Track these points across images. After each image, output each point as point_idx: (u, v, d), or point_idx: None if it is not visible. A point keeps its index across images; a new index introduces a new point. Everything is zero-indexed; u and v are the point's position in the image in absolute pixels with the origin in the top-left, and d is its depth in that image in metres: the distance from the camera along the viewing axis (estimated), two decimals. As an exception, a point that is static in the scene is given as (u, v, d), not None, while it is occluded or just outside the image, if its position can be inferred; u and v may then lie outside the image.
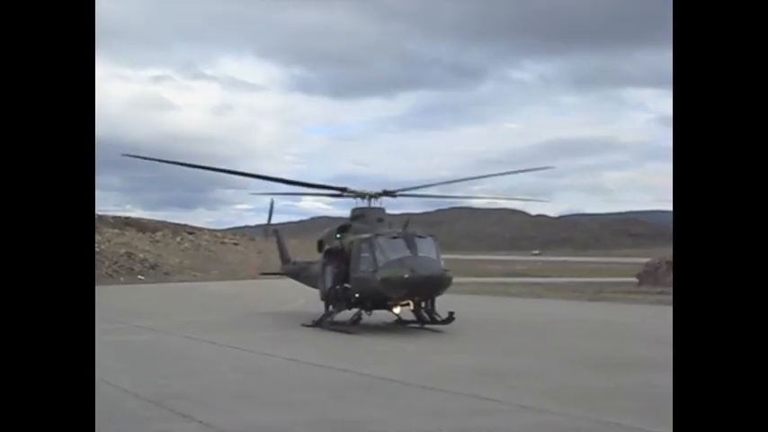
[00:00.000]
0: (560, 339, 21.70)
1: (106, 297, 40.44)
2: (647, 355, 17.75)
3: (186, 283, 61.54)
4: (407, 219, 24.22)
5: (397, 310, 23.65)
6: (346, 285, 23.93)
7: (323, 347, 19.51)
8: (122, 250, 71.56)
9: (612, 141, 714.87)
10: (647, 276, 56.50)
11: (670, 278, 51.56)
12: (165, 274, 69.09)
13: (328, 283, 25.30)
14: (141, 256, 72.45)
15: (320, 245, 27.06)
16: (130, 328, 23.89)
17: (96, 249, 67.75)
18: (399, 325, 24.46)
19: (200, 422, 10.15)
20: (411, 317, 24.15)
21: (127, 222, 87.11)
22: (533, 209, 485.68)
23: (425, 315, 23.79)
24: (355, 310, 23.77)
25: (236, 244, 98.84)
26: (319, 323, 24.76)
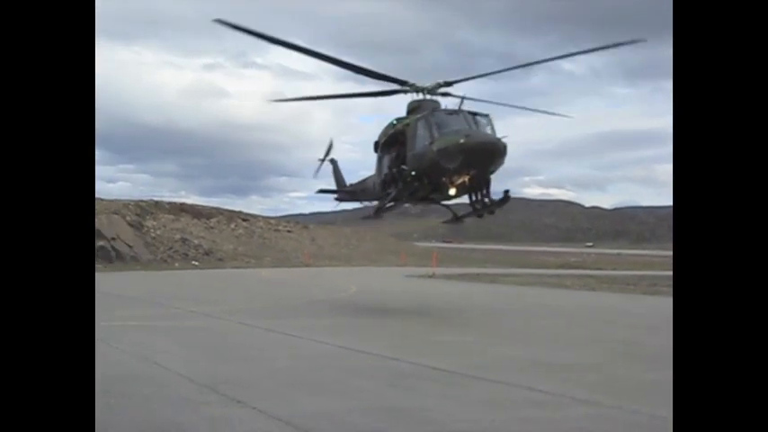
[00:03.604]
0: (615, 332, 21.55)
1: (161, 282, 40.92)
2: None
3: (240, 270, 61.95)
4: (462, 98, 23.92)
5: (452, 191, 23.51)
6: (403, 167, 24.12)
7: (375, 336, 19.49)
8: (177, 236, 72.18)
9: (666, 133, 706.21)
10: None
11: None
12: (219, 260, 69.61)
13: (385, 170, 25.71)
14: (196, 241, 73.06)
15: (376, 146, 27.16)
16: (185, 313, 24.09)
17: (152, 235, 68.63)
18: (456, 222, 25.91)
19: (254, 408, 10.20)
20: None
21: (182, 208, 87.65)
22: (588, 200, 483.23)
23: (478, 206, 24.14)
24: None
25: (289, 231, 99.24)
26: (377, 213, 26.16)
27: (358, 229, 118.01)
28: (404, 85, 25.21)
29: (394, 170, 24.63)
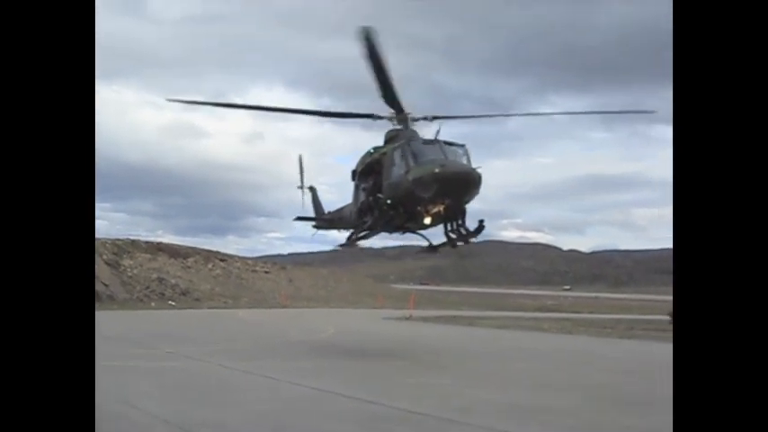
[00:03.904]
0: (593, 375, 21.58)
1: (138, 321, 40.61)
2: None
3: (217, 310, 61.61)
4: (438, 128, 24.19)
5: (427, 220, 23.44)
6: (379, 196, 24.21)
7: (352, 379, 19.44)
8: (154, 275, 71.85)
9: (642, 178, 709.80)
10: (679, 315, 55.94)
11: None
12: (196, 300, 69.22)
13: (361, 198, 25.86)
14: (173, 281, 72.70)
15: (354, 174, 27.28)
16: (163, 354, 23.95)
17: (129, 274, 68.23)
18: (431, 252, 25.59)
19: (231, 451, 10.15)
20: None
21: (159, 248, 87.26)
22: (566, 244, 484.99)
23: (453, 235, 24.09)
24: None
25: (267, 272, 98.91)
26: (352, 241, 26.62)
27: (335, 270, 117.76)
28: (400, 113, 25.30)
29: (370, 199, 24.77)
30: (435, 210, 22.87)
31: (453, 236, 23.97)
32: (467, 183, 22.31)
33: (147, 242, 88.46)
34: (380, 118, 25.53)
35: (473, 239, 24.22)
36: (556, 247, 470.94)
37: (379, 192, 24.18)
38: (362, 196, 25.78)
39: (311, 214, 34.47)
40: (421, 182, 22.10)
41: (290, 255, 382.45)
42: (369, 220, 24.98)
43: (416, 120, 25.29)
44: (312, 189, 35.03)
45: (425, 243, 26.10)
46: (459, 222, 23.80)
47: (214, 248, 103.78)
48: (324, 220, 33.06)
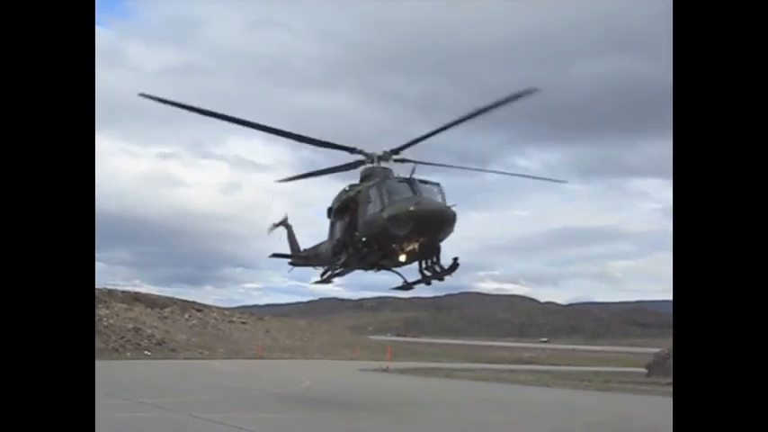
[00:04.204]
0: (572, 429, 21.55)
1: (112, 372, 40.23)
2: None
3: (193, 361, 61.18)
4: (413, 167, 24.22)
5: (402, 257, 23.41)
6: (354, 233, 24.30)
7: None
8: (130, 325, 71.26)
9: (618, 230, 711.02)
10: (656, 367, 56.04)
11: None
12: (172, 350, 68.69)
13: (337, 235, 25.90)
14: (149, 331, 72.13)
15: (329, 211, 27.33)
16: (135, 404, 23.71)
17: (104, 324, 67.63)
18: (406, 289, 25.39)
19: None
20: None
21: (136, 297, 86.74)
22: (543, 296, 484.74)
23: (428, 273, 23.89)
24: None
25: (243, 323, 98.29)
26: (324, 275, 26.69)
27: (312, 321, 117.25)
28: (354, 151, 25.74)
29: (346, 236, 24.89)
30: (410, 247, 22.92)
31: (428, 273, 23.99)
32: (441, 220, 22.35)
33: (123, 291, 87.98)
34: (360, 152, 25.80)
35: (448, 276, 24.23)
36: (533, 299, 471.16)
37: (355, 229, 24.28)
38: (338, 233, 25.89)
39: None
40: (396, 219, 22.18)
41: (267, 305, 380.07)
42: (344, 257, 25.07)
43: (387, 160, 25.62)
44: (288, 226, 34.88)
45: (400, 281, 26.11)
46: (434, 260, 23.84)
47: (191, 298, 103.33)
48: (299, 257, 33.06)
